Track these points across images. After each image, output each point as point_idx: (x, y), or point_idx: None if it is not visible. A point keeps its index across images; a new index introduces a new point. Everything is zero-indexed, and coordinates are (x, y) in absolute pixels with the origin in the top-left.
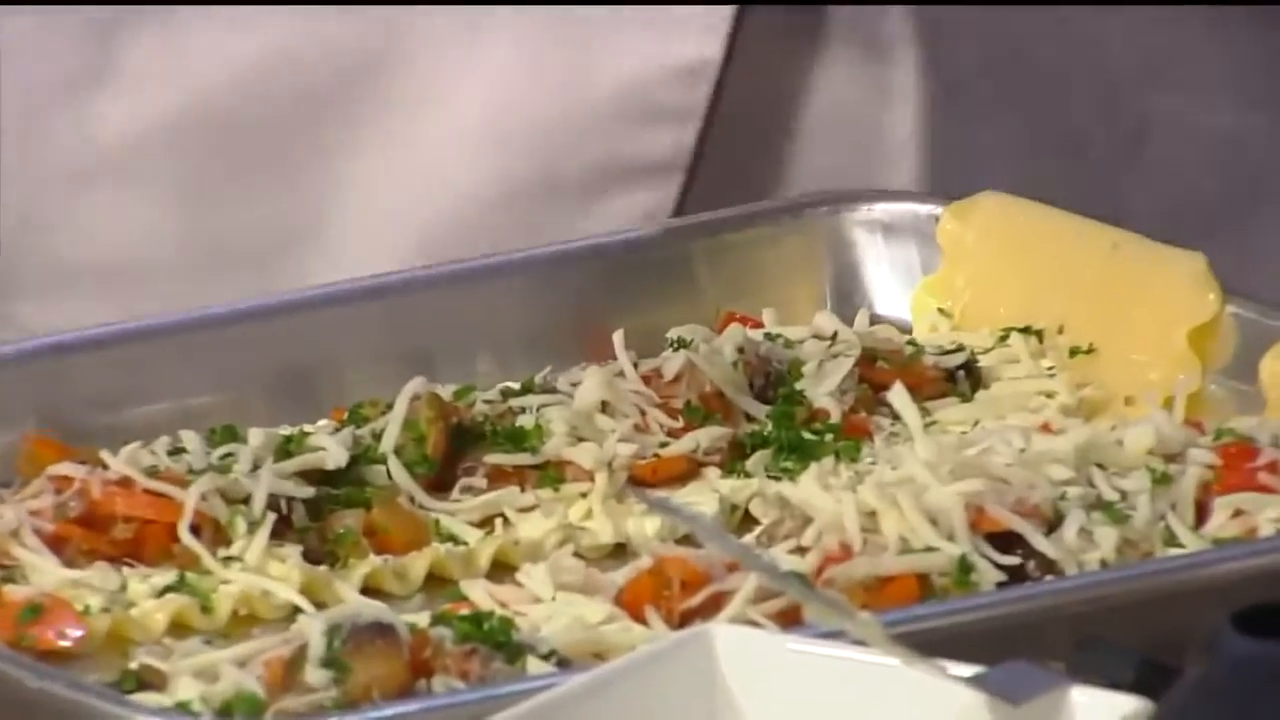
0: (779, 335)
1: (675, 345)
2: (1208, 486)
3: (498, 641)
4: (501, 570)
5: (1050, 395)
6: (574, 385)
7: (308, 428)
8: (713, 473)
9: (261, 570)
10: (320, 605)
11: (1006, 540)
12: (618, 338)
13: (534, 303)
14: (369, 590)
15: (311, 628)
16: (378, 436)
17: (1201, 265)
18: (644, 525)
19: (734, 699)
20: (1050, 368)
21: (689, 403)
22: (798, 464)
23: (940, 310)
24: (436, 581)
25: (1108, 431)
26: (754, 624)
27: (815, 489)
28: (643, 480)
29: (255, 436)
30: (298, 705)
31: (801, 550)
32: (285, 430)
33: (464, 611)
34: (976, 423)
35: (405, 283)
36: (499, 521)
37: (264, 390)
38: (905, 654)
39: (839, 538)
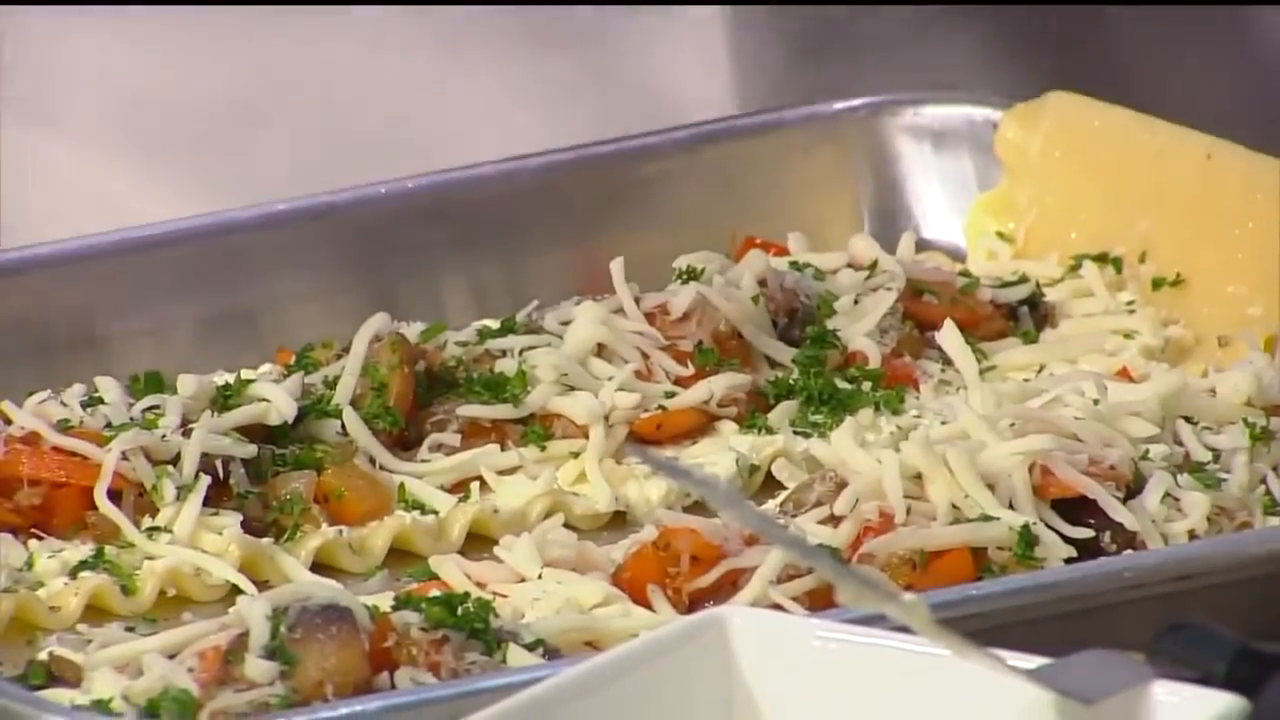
0: (807, 264)
1: (684, 276)
2: None
3: (474, 628)
4: (478, 543)
5: (1130, 335)
6: (564, 324)
7: (247, 374)
8: (728, 427)
9: (193, 543)
10: (263, 585)
11: (1076, 508)
12: (616, 266)
13: (514, 223)
14: (320, 566)
15: (253, 612)
16: (331, 385)
17: None
18: (647, 490)
19: (753, 694)
20: (1130, 302)
21: (700, 344)
22: (830, 417)
23: (999, 234)
24: (400, 556)
25: (1198, 378)
26: (777, 607)
27: (851, 447)
28: (646, 436)
29: (186, 385)
30: (236, 703)
31: (834, 519)
32: (221, 377)
33: (434, 593)
34: (1042, 368)
35: (359, 200)
36: (475, 485)
37: (192, 328)
38: (957, 643)
39: (879, 504)
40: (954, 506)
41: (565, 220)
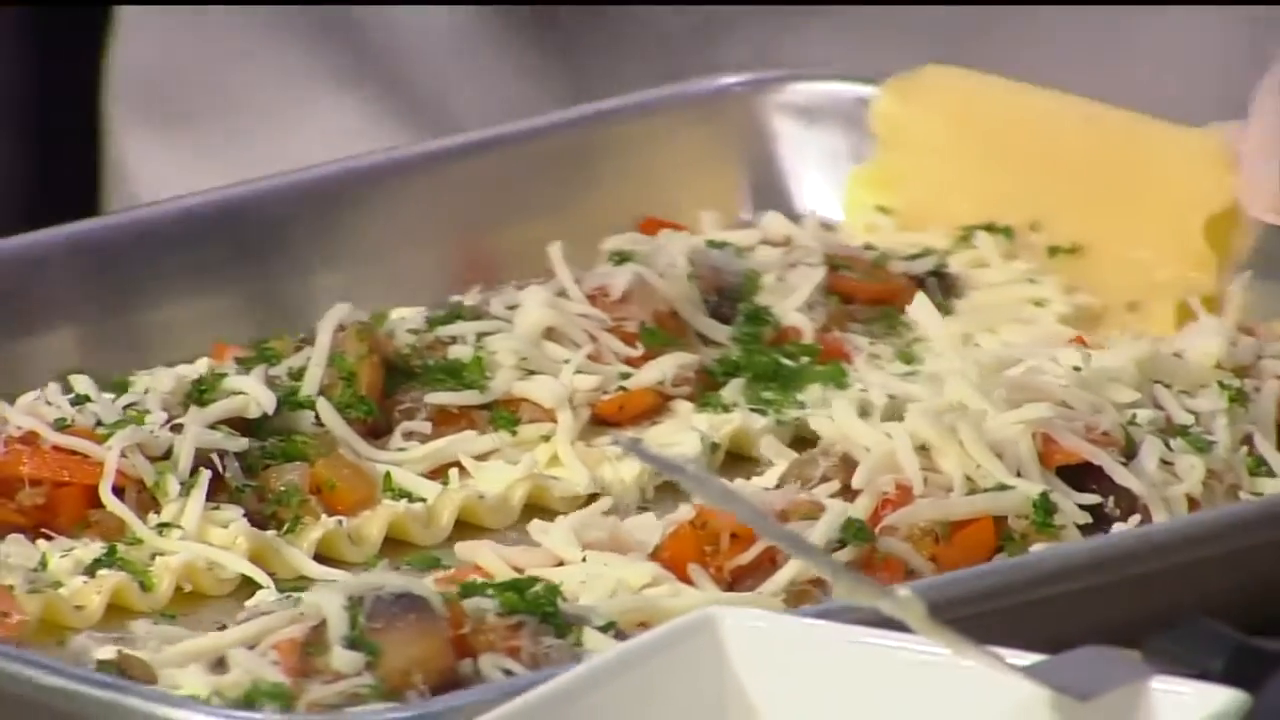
0: (725, 242)
1: (617, 258)
2: None
3: (545, 612)
4: (462, 529)
5: (1041, 303)
6: (510, 308)
7: (166, 372)
8: (684, 407)
9: (200, 538)
10: (270, 577)
11: (1079, 475)
12: (555, 250)
13: (391, 217)
14: (317, 557)
15: (329, 603)
16: (297, 376)
17: (1215, 142)
18: (620, 471)
19: (747, 694)
20: (1029, 271)
21: (643, 325)
22: (780, 394)
23: (879, 208)
24: (389, 544)
25: (1162, 343)
26: (817, 582)
27: (854, 421)
28: (608, 418)
29: (164, 380)
30: (328, 695)
31: (846, 493)
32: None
33: (471, 578)
34: (966, 339)
35: (246, 198)
36: (453, 471)
37: (77, 333)
38: (952, 639)
39: (894, 477)
40: (967, 478)
41: (444, 212)
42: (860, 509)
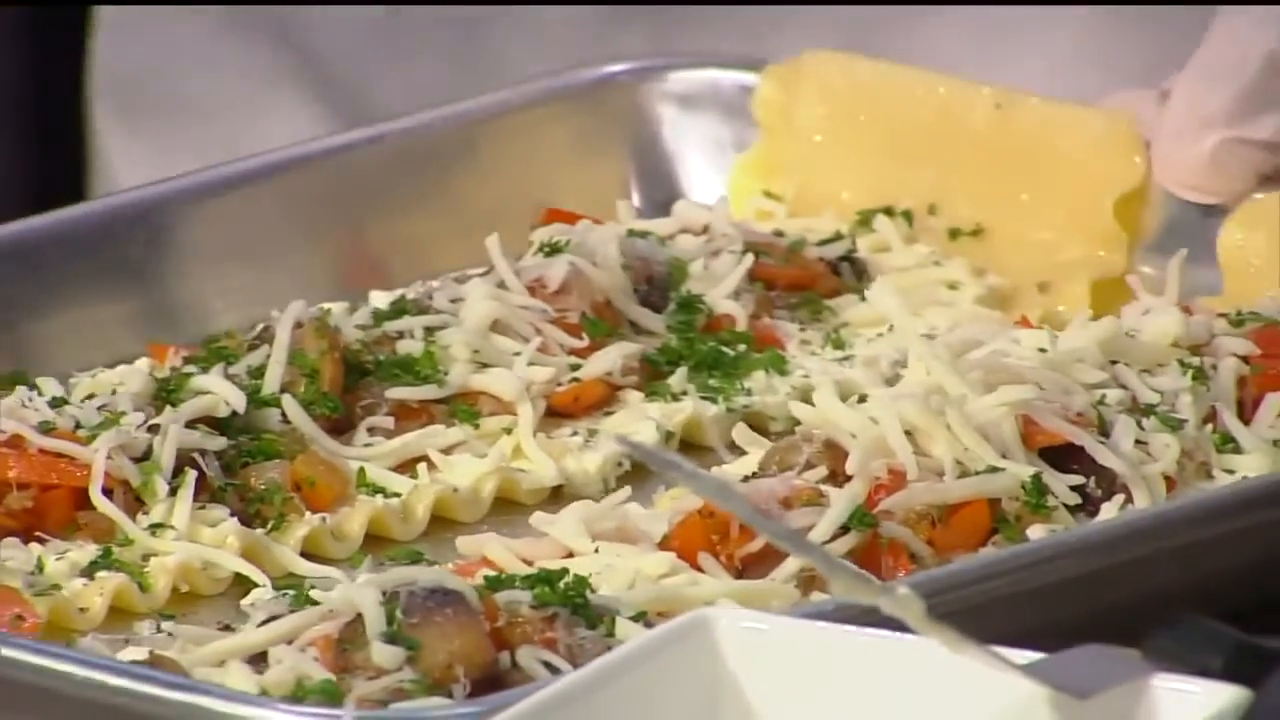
0: (646, 231)
1: (547, 249)
2: (1243, 380)
3: (575, 604)
4: (432, 524)
5: (954, 286)
6: (454, 302)
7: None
8: (634, 396)
9: (192, 537)
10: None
11: (1060, 456)
12: (492, 242)
13: (287, 212)
14: (300, 553)
15: (364, 598)
16: (256, 374)
17: (1123, 122)
18: (584, 462)
19: (742, 692)
20: (931, 254)
21: (585, 315)
22: (724, 381)
23: (767, 194)
24: (366, 540)
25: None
26: None
27: (838, 406)
28: (563, 410)
29: (133, 380)
30: (374, 690)
31: (836, 478)
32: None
33: (487, 572)
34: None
35: (131, 203)
36: (421, 466)
37: None
38: (951, 637)
39: (886, 462)
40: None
41: (335, 208)
42: (855, 494)
